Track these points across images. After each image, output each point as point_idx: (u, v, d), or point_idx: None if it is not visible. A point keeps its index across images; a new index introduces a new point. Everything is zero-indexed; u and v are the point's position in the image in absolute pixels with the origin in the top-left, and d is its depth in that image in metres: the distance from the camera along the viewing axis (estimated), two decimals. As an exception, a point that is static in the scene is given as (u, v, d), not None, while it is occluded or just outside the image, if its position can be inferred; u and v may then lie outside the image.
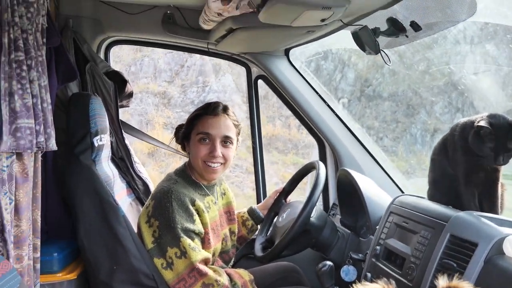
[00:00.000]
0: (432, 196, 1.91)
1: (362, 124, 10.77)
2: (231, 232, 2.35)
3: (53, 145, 1.76)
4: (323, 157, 2.85)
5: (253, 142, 2.93)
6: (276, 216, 2.41)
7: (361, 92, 11.03)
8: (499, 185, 1.75)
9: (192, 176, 2.17)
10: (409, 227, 1.79)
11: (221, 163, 2.14)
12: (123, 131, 2.46)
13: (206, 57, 9.81)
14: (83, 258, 2.03)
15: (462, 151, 1.73)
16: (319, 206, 2.35)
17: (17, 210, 1.67)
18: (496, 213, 1.73)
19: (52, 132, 1.76)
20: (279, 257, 2.21)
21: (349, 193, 2.36)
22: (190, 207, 2.01)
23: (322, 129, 2.74)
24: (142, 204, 2.45)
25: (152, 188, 2.54)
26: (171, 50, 9.72)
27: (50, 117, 1.76)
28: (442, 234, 1.58)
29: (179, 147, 2.30)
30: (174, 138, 2.29)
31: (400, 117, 10.21)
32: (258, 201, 2.87)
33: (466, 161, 1.73)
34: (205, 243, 2.07)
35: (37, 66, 1.69)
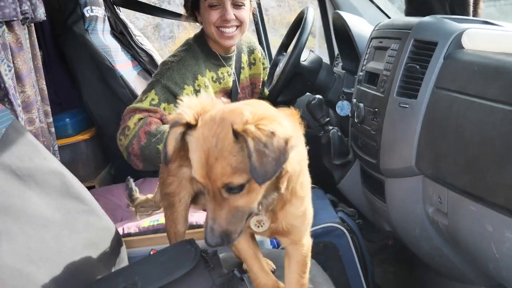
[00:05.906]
0: (408, 13, 1.91)
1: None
2: None
3: (41, 15, 1.86)
4: (323, 8, 2.85)
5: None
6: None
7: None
8: (471, -9, 1.73)
9: (208, 44, 2.11)
10: (383, 45, 1.82)
11: (237, 26, 2.05)
12: (115, 6, 2.55)
13: None
14: (92, 120, 2.22)
15: None
16: (315, 53, 2.38)
17: (18, 77, 1.83)
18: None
19: (38, 3, 1.86)
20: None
21: (346, 38, 2.36)
22: (188, 77, 1.97)
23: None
24: (149, 74, 2.58)
25: (157, 58, 2.66)
26: None
27: (33, -11, 1.86)
28: (407, 42, 1.61)
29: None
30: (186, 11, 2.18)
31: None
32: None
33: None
34: None
35: None
